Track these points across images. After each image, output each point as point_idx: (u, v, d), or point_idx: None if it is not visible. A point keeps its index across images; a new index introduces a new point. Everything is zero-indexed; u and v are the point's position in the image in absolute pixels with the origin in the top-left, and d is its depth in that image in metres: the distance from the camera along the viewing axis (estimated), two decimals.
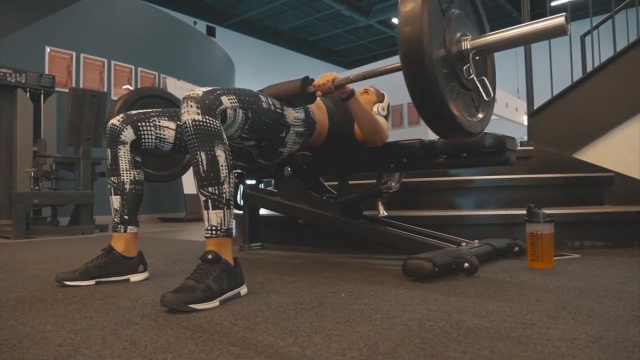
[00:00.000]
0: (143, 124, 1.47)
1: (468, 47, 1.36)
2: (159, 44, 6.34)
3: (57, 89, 4.76)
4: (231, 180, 1.24)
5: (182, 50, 6.75)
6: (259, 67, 13.35)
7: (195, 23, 8.98)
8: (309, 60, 15.59)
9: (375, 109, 1.97)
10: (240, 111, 1.35)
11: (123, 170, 1.48)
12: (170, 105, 2.18)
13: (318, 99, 1.67)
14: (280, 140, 1.58)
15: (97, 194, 3.93)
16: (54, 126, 4.64)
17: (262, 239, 2.49)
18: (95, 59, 5.50)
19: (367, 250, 2.18)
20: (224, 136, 1.25)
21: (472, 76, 1.34)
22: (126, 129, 1.46)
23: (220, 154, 1.22)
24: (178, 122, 1.51)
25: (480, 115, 1.49)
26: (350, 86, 1.55)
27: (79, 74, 5.33)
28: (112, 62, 5.67)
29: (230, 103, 1.31)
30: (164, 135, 1.50)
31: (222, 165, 1.21)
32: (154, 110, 1.53)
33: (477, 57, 1.40)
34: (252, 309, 1.07)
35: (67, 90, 4.26)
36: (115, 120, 1.48)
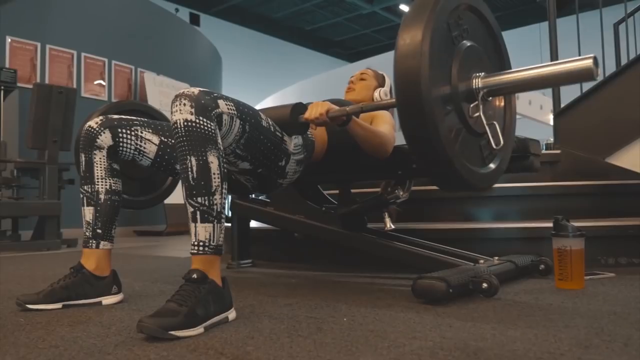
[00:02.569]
0: (123, 130, 1.49)
1: (479, 85, 1.34)
2: (135, 34, 6.37)
3: (19, 84, 4.77)
4: (224, 191, 1.24)
5: (162, 41, 6.78)
6: (249, 60, 13.40)
7: (177, 10, 9.03)
8: (306, 52, 15.66)
9: (377, 95, 1.98)
10: (238, 121, 1.35)
11: (98, 179, 1.49)
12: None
13: None
14: (280, 171, 1.58)
15: (64, 204, 3.93)
16: (15, 127, 4.65)
17: (253, 256, 2.49)
18: (63, 50, 5.52)
19: (372, 268, 2.18)
20: (219, 141, 1.26)
21: (477, 114, 1.33)
22: (103, 132, 1.47)
23: (213, 160, 1.22)
24: (162, 138, 1.53)
25: (491, 166, 1.47)
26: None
27: (44, 68, 5.35)
28: (82, 54, 5.69)
29: (228, 109, 1.32)
30: (144, 148, 1.51)
31: (214, 173, 1.22)
32: (138, 118, 1.55)
33: (490, 98, 1.38)
34: (242, 336, 1.07)
35: (30, 86, 4.27)
36: (92, 122, 1.49)
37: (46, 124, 3.91)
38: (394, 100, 1.31)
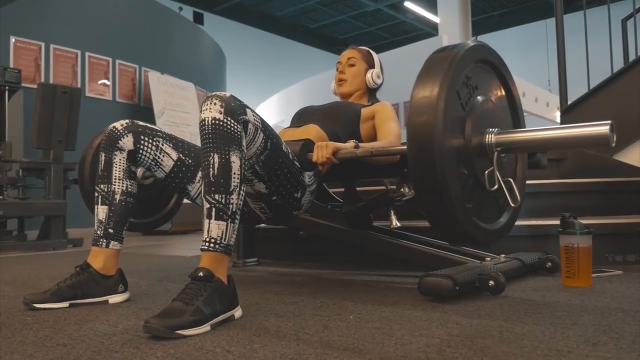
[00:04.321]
0: (146, 138, 1.53)
1: (492, 141, 1.33)
2: (139, 33, 6.39)
3: (23, 84, 4.79)
4: (242, 192, 1.26)
5: (166, 40, 6.80)
6: (253, 59, 13.42)
7: (180, 9, 9.06)
8: (310, 50, 15.67)
9: (369, 77, 1.97)
10: (261, 134, 1.37)
11: (115, 179, 1.52)
12: None
13: (317, 127, 1.74)
14: (296, 202, 1.59)
15: (69, 203, 3.95)
16: (20, 127, 4.67)
17: (258, 254, 2.50)
18: (67, 50, 5.55)
19: (377, 266, 2.18)
20: (244, 144, 1.28)
21: (496, 187, 1.31)
22: (126, 135, 1.52)
23: (235, 161, 1.24)
24: (180, 155, 1.57)
25: (502, 220, 1.46)
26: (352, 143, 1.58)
27: (48, 68, 5.37)
28: (87, 54, 5.72)
29: (254, 119, 1.34)
30: (162, 160, 1.55)
31: (234, 173, 1.24)
32: (162, 130, 1.59)
33: (503, 155, 1.37)
34: (248, 334, 1.08)
35: (35, 86, 4.29)
36: (118, 124, 1.54)
37: (51, 123, 3.93)
38: (404, 147, 1.31)
